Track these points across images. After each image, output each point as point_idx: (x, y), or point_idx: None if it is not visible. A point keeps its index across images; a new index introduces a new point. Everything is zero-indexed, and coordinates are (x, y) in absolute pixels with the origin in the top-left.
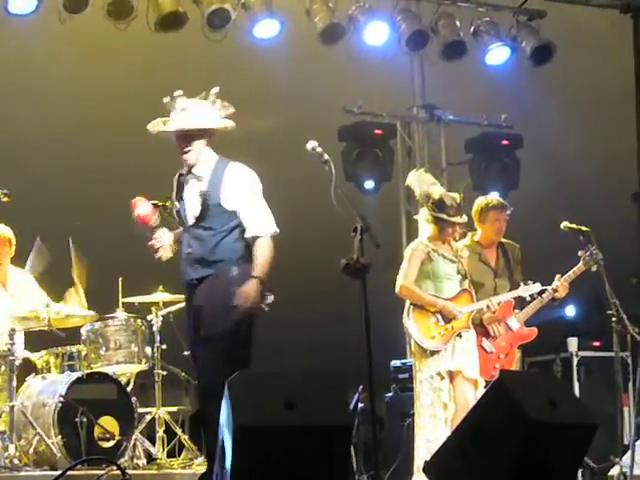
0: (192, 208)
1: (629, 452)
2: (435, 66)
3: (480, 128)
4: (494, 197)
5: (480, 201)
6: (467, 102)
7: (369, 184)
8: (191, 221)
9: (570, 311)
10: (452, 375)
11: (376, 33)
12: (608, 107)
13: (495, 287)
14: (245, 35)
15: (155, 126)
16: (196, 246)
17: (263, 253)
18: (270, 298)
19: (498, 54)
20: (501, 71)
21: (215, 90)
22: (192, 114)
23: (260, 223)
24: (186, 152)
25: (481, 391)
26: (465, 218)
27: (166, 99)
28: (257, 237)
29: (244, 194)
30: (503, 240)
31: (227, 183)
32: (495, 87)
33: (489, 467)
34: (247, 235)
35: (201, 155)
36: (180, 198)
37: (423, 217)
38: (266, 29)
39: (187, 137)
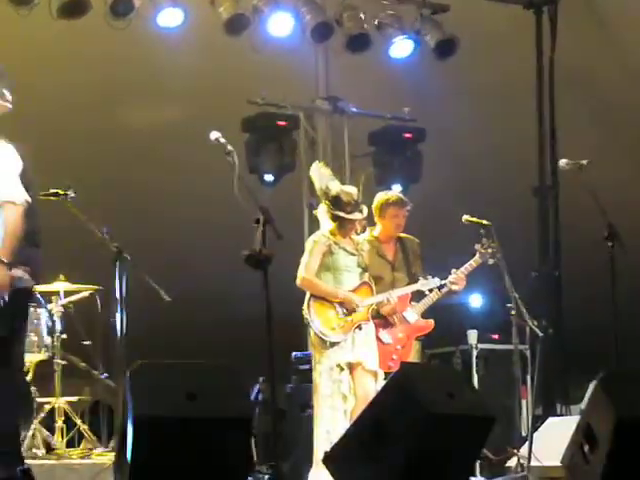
0: None
1: (527, 444)
2: (339, 58)
3: (383, 121)
4: (394, 193)
5: (380, 197)
6: (371, 95)
7: (268, 177)
8: None
9: (475, 301)
10: (352, 367)
11: (280, 24)
12: (510, 102)
13: (393, 280)
14: (149, 24)
15: None
16: None
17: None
18: (25, 280)
19: (402, 47)
20: (405, 64)
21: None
22: None
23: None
24: None
25: (381, 383)
26: (365, 212)
27: None
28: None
29: None
30: (402, 235)
31: None
32: (399, 80)
33: (388, 458)
34: None
35: None
36: None
37: (324, 211)
38: (170, 18)
39: None
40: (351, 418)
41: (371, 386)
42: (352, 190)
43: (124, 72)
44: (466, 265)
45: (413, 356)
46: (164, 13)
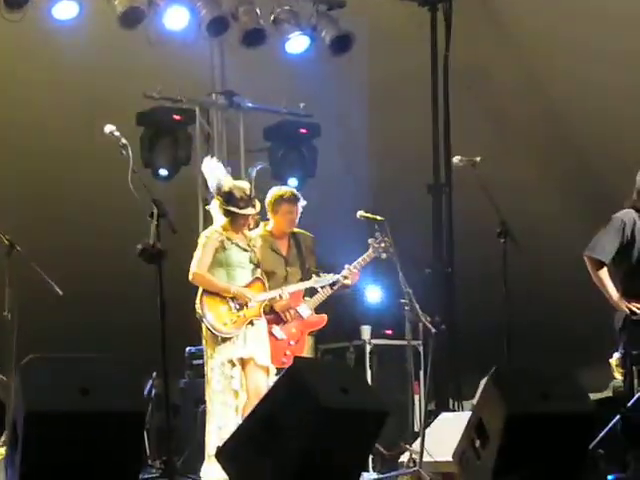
0: None
1: (419, 439)
2: (235, 53)
3: (279, 116)
4: (287, 188)
5: (273, 192)
6: (267, 90)
7: (163, 172)
8: None
9: (373, 294)
10: (244, 362)
11: (176, 18)
12: (405, 98)
13: (286, 276)
14: (44, 16)
15: None
16: None
17: None
18: None
19: (298, 43)
20: (301, 60)
21: None
22: None
23: None
24: None
25: (273, 378)
26: (258, 207)
27: None
28: None
29: None
30: (296, 230)
31: None
32: (295, 76)
33: (280, 453)
34: None
35: None
36: None
37: (216, 207)
38: (65, 10)
39: None
40: (243, 414)
41: (263, 382)
42: (245, 185)
43: (18, 66)
44: (359, 260)
45: (307, 351)
46: (59, 5)
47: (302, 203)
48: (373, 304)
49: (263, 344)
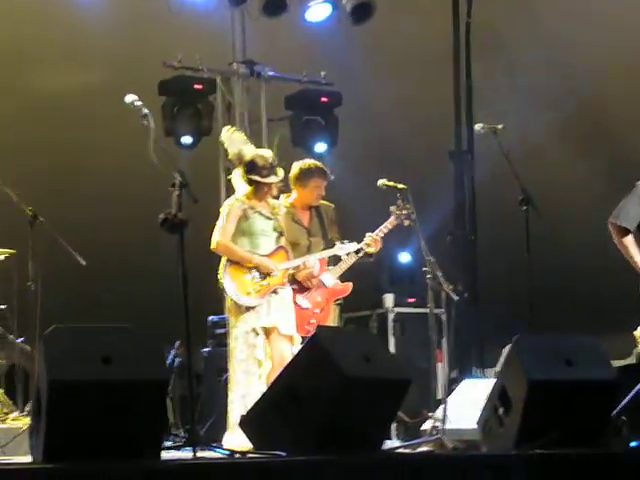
0: None
1: (442, 406)
2: (256, 22)
3: (300, 85)
4: (316, 162)
5: (301, 165)
6: (288, 58)
7: (186, 139)
8: None
9: (405, 257)
10: (268, 331)
11: None
12: (427, 67)
13: (309, 246)
14: None
15: None
16: None
17: None
18: None
19: (318, 11)
20: (322, 28)
21: None
22: None
23: None
24: None
25: (298, 347)
26: (281, 174)
27: None
28: None
29: None
30: None
31: None
32: (316, 44)
33: (304, 422)
34: None
35: None
36: None
37: (237, 177)
38: None
39: None
40: (267, 382)
41: (287, 350)
42: (267, 153)
43: (39, 32)
44: (381, 227)
45: (332, 320)
46: None
47: (330, 178)
48: (401, 267)
49: (287, 313)
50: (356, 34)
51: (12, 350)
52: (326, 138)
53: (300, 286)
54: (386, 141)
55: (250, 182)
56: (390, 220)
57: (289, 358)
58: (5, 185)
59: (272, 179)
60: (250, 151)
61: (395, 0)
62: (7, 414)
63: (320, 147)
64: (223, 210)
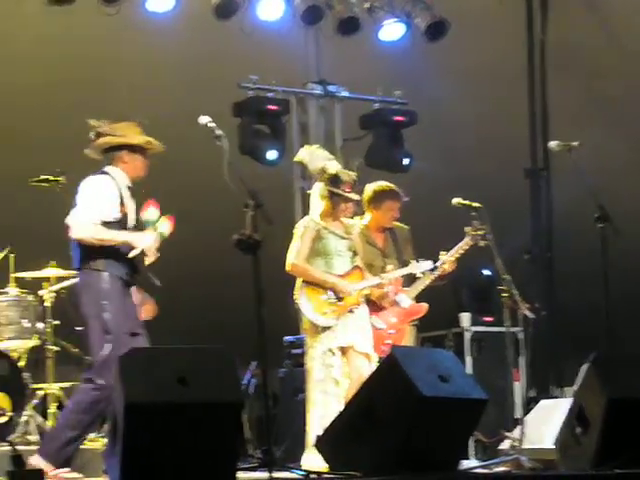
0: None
1: (519, 426)
2: (330, 42)
3: (374, 104)
4: (389, 184)
5: (375, 187)
6: (362, 78)
7: (272, 154)
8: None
9: (484, 275)
10: (345, 351)
11: (270, 8)
12: (501, 84)
13: (383, 267)
14: (138, 9)
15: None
16: None
17: None
18: None
19: (392, 30)
20: (396, 47)
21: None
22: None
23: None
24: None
25: (375, 365)
26: (358, 196)
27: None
28: None
29: None
30: None
31: None
32: (390, 63)
33: (380, 442)
34: None
35: None
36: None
37: (317, 192)
38: (160, 3)
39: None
40: (346, 401)
41: (365, 368)
42: (350, 172)
43: (113, 53)
44: (456, 248)
45: (408, 341)
46: None
47: (403, 200)
48: (481, 288)
49: (364, 331)
50: (430, 52)
51: None
52: (400, 158)
53: (375, 306)
54: (460, 159)
55: (331, 196)
56: (465, 241)
57: (367, 376)
58: None
59: (354, 196)
60: (335, 166)
61: (469, 18)
62: None
63: (405, 161)
64: (297, 231)
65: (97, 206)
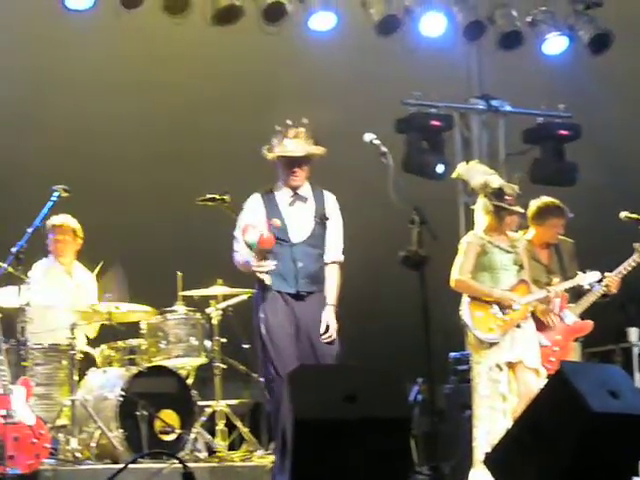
0: (303, 226)
1: None
2: (492, 56)
3: (538, 118)
4: (554, 200)
5: (539, 203)
6: (525, 92)
7: (440, 168)
8: (300, 238)
9: None
10: (513, 366)
11: (432, 24)
12: None
13: (549, 284)
14: (300, 28)
15: (269, 151)
16: (308, 262)
17: (339, 281)
18: None
19: (555, 43)
20: (559, 60)
21: (306, 121)
22: (303, 142)
23: (341, 250)
24: (298, 175)
25: (544, 380)
26: (522, 210)
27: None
28: (336, 262)
29: (338, 221)
30: None
31: (328, 209)
32: (553, 77)
33: (549, 459)
34: (327, 259)
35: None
36: (277, 215)
37: (481, 207)
38: (322, 21)
39: (302, 161)
40: (513, 417)
41: (534, 383)
42: (514, 186)
43: (275, 71)
44: (624, 265)
45: (573, 357)
46: (316, 17)
47: (568, 216)
48: None
49: (532, 345)
50: (594, 65)
51: (256, 389)
52: (565, 173)
53: (539, 323)
54: (626, 172)
55: (496, 210)
56: (633, 258)
57: (536, 391)
58: None
59: (518, 209)
60: (497, 180)
61: (633, 27)
62: (252, 452)
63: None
64: (461, 246)
65: None
